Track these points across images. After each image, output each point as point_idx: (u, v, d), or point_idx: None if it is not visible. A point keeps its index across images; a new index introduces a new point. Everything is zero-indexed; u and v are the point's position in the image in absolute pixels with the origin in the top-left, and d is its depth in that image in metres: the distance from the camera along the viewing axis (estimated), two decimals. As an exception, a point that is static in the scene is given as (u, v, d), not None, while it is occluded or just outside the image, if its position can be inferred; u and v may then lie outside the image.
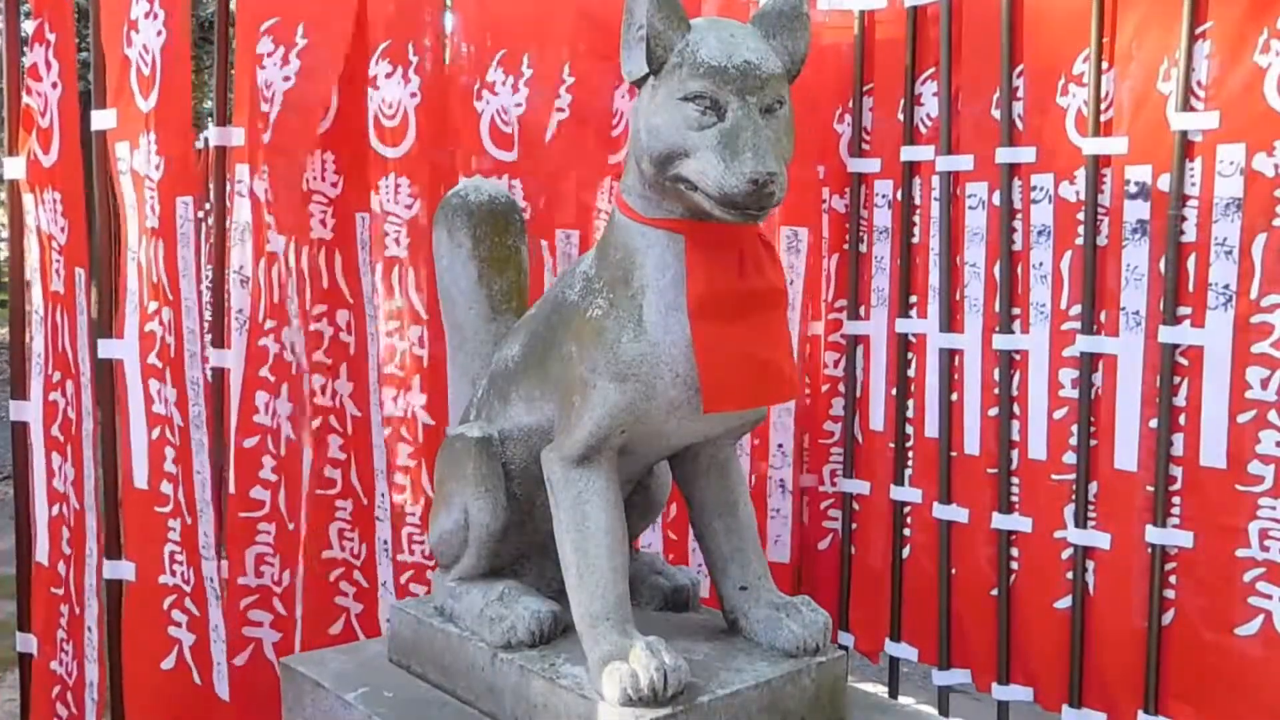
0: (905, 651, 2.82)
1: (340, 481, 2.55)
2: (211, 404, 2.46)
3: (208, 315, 2.49)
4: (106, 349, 2.40)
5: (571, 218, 2.66)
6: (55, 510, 2.38)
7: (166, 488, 2.39)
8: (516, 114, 2.60)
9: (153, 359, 2.39)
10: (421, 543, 2.52)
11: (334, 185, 2.53)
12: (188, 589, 2.42)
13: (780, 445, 2.91)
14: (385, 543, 2.55)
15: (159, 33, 2.34)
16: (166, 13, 2.35)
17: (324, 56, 2.46)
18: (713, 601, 1.82)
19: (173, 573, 2.41)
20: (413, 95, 2.50)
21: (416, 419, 2.50)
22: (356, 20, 2.49)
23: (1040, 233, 2.52)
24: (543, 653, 1.66)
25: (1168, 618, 2.35)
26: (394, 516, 2.55)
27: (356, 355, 2.55)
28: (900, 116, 2.76)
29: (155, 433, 2.39)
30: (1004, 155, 2.55)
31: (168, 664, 2.42)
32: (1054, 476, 2.52)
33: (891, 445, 2.81)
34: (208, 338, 2.47)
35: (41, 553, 2.38)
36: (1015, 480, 2.59)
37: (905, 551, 2.81)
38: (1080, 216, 2.45)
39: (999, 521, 2.60)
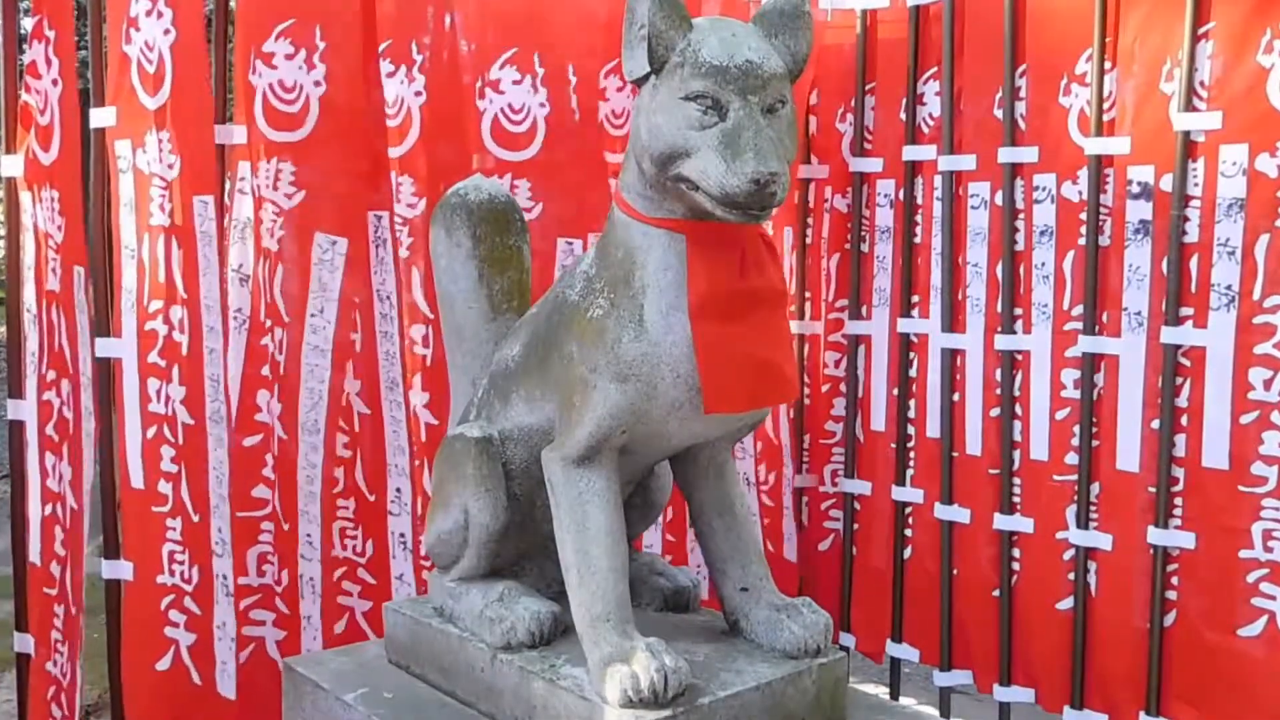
0: (907, 652, 2.81)
1: (343, 479, 2.54)
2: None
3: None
4: (104, 348, 2.40)
5: (574, 218, 2.65)
6: (48, 510, 2.37)
7: (165, 487, 2.38)
8: (521, 113, 2.59)
9: (154, 358, 2.38)
10: (418, 541, 2.51)
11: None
12: (188, 588, 2.41)
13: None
14: (403, 536, 2.54)
15: (166, 30, 2.34)
16: (174, 10, 2.34)
17: (345, 58, 2.47)
18: (713, 602, 1.81)
19: (171, 572, 2.40)
20: (417, 94, 2.49)
21: (419, 418, 2.49)
22: (364, 18, 2.49)
23: (1042, 233, 2.52)
24: (543, 654, 1.65)
25: (1170, 619, 2.34)
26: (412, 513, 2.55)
27: (364, 353, 2.54)
28: (903, 116, 2.76)
29: (151, 432, 2.38)
30: (1006, 155, 2.55)
31: (163, 665, 2.41)
32: (1056, 477, 2.51)
33: (893, 445, 2.81)
34: None
35: (34, 553, 2.37)
36: (1017, 481, 2.59)
37: (907, 552, 2.80)
38: (1083, 217, 2.44)
39: (1001, 522, 2.60)
